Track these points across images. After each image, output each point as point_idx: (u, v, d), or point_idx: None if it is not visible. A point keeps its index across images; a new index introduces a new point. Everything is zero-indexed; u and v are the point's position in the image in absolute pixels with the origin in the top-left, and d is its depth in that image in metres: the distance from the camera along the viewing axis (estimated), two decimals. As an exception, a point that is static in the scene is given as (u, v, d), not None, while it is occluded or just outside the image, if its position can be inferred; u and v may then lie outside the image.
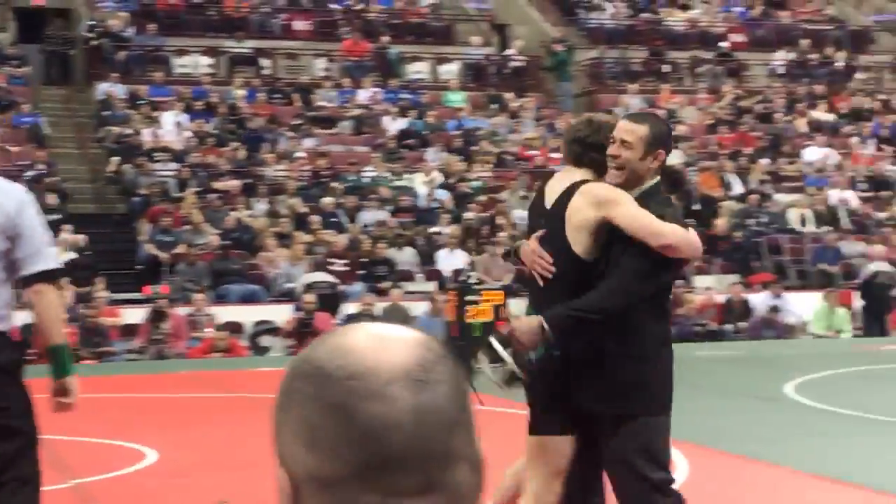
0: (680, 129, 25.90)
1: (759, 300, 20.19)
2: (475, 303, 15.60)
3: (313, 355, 1.22)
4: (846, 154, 26.20)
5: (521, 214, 22.12)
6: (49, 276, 4.66)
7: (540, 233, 4.73)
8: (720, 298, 20.46)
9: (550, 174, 5.10)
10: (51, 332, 4.65)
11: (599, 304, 4.54)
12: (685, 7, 31.32)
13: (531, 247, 4.74)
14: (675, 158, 24.91)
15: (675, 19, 30.82)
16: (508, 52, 28.34)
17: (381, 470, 1.16)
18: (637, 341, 4.67)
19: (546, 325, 4.55)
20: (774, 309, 20.05)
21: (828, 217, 23.26)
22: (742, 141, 25.98)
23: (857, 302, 20.75)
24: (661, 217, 4.57)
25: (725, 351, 17.75)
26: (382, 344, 1.20)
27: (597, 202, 4.60)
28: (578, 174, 4.78)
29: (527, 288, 5.00)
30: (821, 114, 27.67)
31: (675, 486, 4.75)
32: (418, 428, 1.17)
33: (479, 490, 1.22)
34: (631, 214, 4.55)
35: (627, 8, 30.83)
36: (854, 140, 26.86)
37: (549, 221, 4.74)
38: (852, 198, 24.32)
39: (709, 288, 20.83)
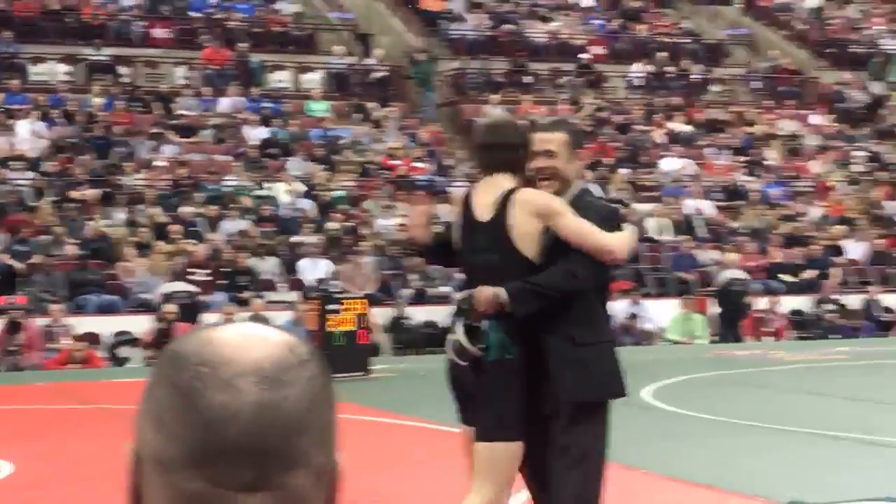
0: (541, 140, 26.22)
1: (619, 308, 20.51)
2: (337, 312, 15.61)
3: (181, 342, 1.24)
4: (702, 164, 26.79)
5: (384, 223, 22.19)
6: None
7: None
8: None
9: (465, 192, 5.11)
10: None
11: (558, 284, 4.69)
12: (546, 19, 31.71)
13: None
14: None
15: (537, 31, 31.18)
16: (371, 61, 28.38)
17: (214, 459, 1.17)
18: (606, 329, 4.99)
19: (504, 294, 4.67)
20: (633, 316, 20.40)
21: (684, 226, 23.75)
22: (602, 151, 26.39)
23: (713, 309, 21.22)
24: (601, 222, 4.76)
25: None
26: (246, 340, 1.22)
27: (537, 213, 4.73)
28: (504, 182, 4.86)
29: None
30: (677, 125, 28.25)
31: None
32: (257, 424, 1.17)
33: (322, 500, 1.22)
34: (573, 227, 4.69)
35: (489, 19, 31.10)
36: (709, 151, 27.47)
37: (488, 233, 4.81)
38: (708, 207, 24.87)
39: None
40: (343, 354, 14.91)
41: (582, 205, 4.80)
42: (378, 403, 12.62)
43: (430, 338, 19.92)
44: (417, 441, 10.55)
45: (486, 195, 4.86)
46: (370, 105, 26.72)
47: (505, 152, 4.88)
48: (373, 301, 17.94)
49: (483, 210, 4.84)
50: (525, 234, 4.74)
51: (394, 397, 13.53)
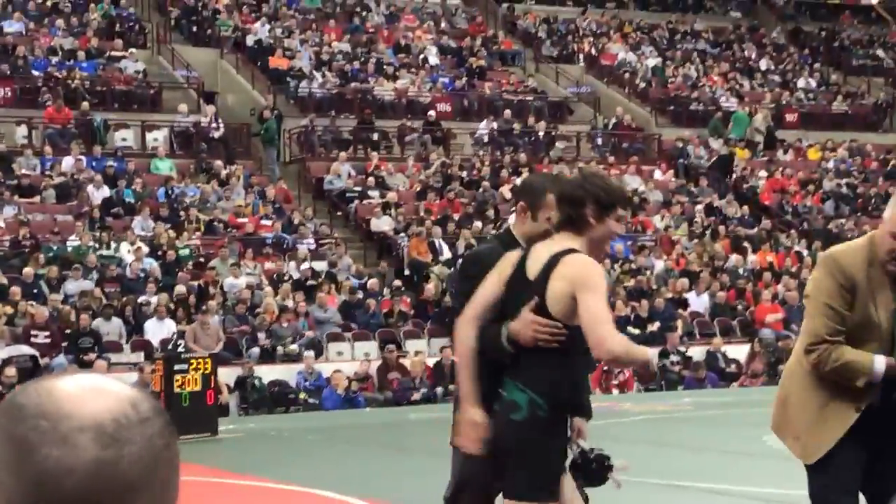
0: (389, 196, 26.29)
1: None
2: (183, 372, 15.34)
3: (21, 392, 1.20)
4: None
5: (231, 283, 21.94)
6: None
7: (532, 303, 4.61)
8: (430, 362, 20.75)
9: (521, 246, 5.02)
10: None
11: None
12: (393, 77, 31.90)
13: (528, 317, 4.60)
14: (385, 225, 25.31)
15: (384, 89, 31.33)
16: (216, 120, 28.15)
17: None
18: None
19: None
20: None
21: (532, 280, 23.93)
22: (450, 207, 26.54)
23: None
24: None
25: (437, 413, 17.95)
26: (89, 393, 1.18)
27: (572, 279, 4.54)
28: (565, 241, 4.68)
29: (497, 359, 4.76)
30: (524, 181, 28.53)
31: None
32: (93, 481, 1.14)
33: None
34: (591, 310, 4.47)
35: (336, 77, 31.15)
36: (556, 206, 27.79)
37: (532, 292, 4.65)
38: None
39: (419, 352, 21.09)
40: (190, 415, 14.65)
41: None
42: (225, 464, 12.41)
43: (279, 397, 19.72)
44: (263, 502, 10.38)
45: (542, 253, 4.71)
46: (216, 163, 26.48)
47: (569, 207, 4.71)
48: (220, 361, 17.69)
49: (534, 268, 4.70)
50: (556, 295, 4.58)
51: (241, 458, 13.32)
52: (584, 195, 4.66)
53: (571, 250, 4.62)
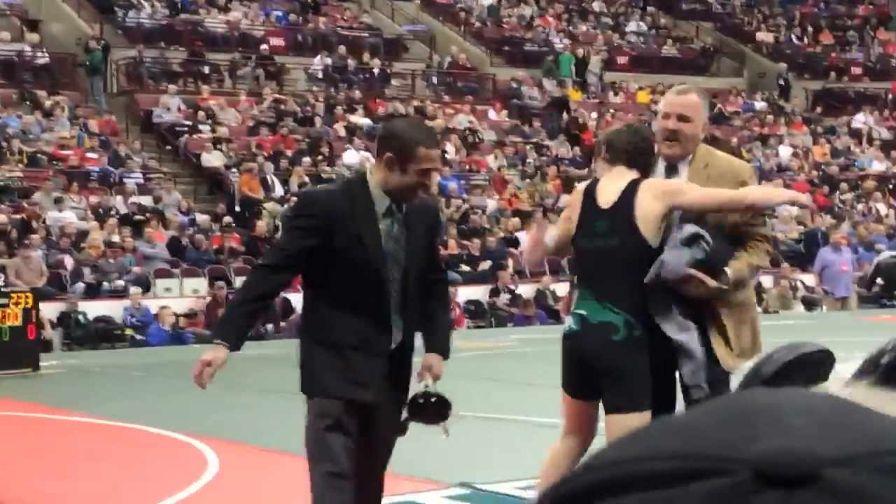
0: (220, 132, 25.88)
1: (299, 300, 20.40)
2: (4, 306, 14.92)
3: None
4: (382, 157, 27.00)
5: (55, 216, 21.36)
6: None
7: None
8: (261, 299, 20.53)
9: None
10: None
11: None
12: (224, 9, 31.31)
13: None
14: (215, 160, 24.90)
15: (215, 21, 30.75)
16: (41, 49, 27.27)
17: None
18: None
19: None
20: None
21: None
22: (283, 143, 26.25)
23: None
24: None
25: (267, 350, 17.82)
26: None
27: (663, 192, 5.01)
28: (628, 174, 5.10)
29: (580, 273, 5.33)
30: (358, 118, 28.41)
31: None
32: None
33: None
34: (701, 194, 4.99)
35: (166, 7, 30.45)
36: (389, 144, 27.72)
37: (610, 218, 5.05)
38: (388, 199, 25.08)
39: (249, 288, 20.82)
40: (10, 350, 14.27)
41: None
42: (46, 400, 12.12)
43: (104, 333, 19.34)
44: (82, 438, 10.16)
45: (610, 185, 5.09)
46: (40, 93, 25.67)
47: (642, 155, 5.13)
48: (42, 296, 17.24)
49: (607, 198, 5.07)
50: (648, 216, 4.97)
51: (63, 393, 13.01)
52: (651, 147, 5.18)
53: (641, 178, 5.09)
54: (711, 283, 4.98)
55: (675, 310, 4.98)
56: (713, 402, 0.61)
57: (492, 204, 25.79)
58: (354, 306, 4.72)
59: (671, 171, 5.23)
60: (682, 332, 4.98)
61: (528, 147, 29.09)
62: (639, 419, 4.97)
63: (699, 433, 0.58)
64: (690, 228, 4.98)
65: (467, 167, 27.67)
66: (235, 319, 5.01)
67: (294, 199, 23.43)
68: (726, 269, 5.04)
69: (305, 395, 4.90)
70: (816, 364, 3.83)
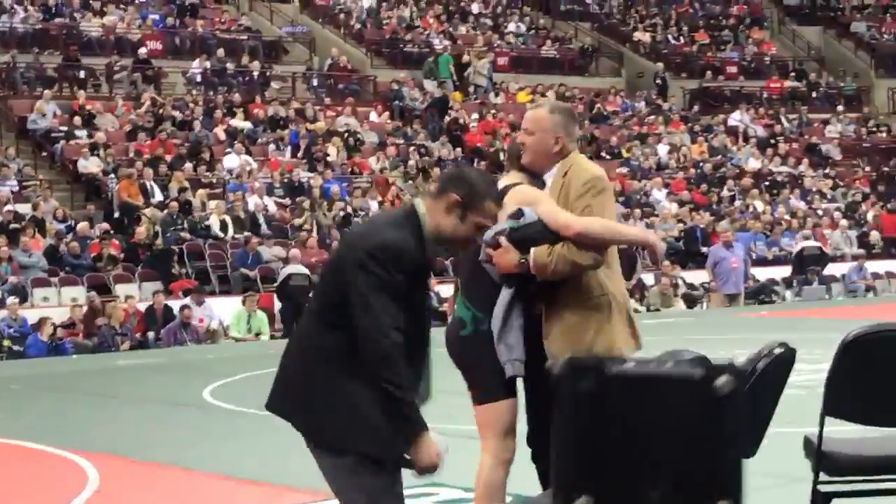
0: (97, 137, 25.45)
1: (188, 307, 20.16)
2: None
3: None
4: (263, 161, 26.82)
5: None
6: None
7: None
8: (142, 306, 20.26)
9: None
10: None
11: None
12: (100, 13, 30.80)
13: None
14: (93, 166, 24.45)
15: (90, 25, 30.23)
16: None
17: None
18: None
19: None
20: (196, 315, 20.10)
21: (247, 222, 23.68)
22: (162, 148, 25.89)
23: (276, 305, 21.27)
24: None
25: (148, 359, 17.57)
26: None
27: (515, 202, 5.13)
28: (514, 178, 5.35)
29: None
30: (238, 121, 28.15)
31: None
32: None
33: None
34: (545, 211, 5.11)
35: (39, 12, 29.87)
36: (271, 147, 27.55)
37: None
38: (270, 203, 24.92)
39: (130, 296, 20.55)
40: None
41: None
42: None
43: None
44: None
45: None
46: None
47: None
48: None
49: None
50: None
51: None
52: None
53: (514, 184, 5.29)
54: (513, 254, 5.05)
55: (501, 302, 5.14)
56: None
57: (374, 206, 25.71)
58: (410, 358, 4.16)
59: (536, 178, 5.37)
60: (500, 322, 5.12)
61: (410, 148, 29.07)
62: (493, 410, 5.18)
63: None
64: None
65: (349, 169, 27.57)
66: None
67: (172, 203, 23.12)
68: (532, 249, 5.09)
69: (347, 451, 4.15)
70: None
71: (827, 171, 33.42)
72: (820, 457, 5.12)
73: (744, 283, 22.83)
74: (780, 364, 4.62)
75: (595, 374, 3.91)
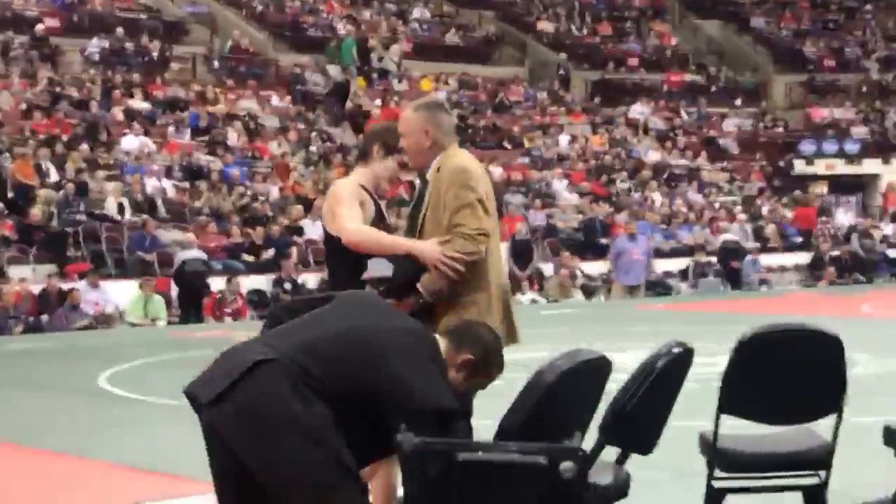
0: (-8, 115, 24.98)
1: (76, 289, 19.87)
2: None
3: None
4: (162, 143, 26.50)
5: None
6: None
7: None
8: (36, 289, 19.93)
9: None
10: None
11: None
12: (-4, -12, 30.22)
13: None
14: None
15: (-13, 0, 29.66)
16: None
17: None
18: None
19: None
20: (90, 298, 19.83)
21: (145, 205, 23.38)
22: (58, 127, 25.47)
23: (174, 289, 21.05)
24: None
25: (41, 343, 17.30)
26: None
27: (327, 205, 5.55)
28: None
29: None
30: (137, 102, 27.78)
31: None
32: None
33: None
34: (336, 214, 5.41)
35: (-68, -15, 29.23)
36: (170, 129, 27.23)
37: None
38: (168, 186, 24.64)
39: (24, 279, 20.20)
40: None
41: None
42: None
43: None
44: None
45: None
46: None
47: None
48: None
49: None
50: (326, 216, 5.53)
51: None
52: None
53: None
54: (410, 302, 5.08)
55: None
56: None
57: (275, 191, 25.56)
58: None
59: (422, 178, 5.44)
60: None
61: (312, 134, 28.93)
62: None
63: None
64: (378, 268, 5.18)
65: (249, 154, 27.35)
66: None
67: (68, 184, 22.76)
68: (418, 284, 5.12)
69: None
70: (595, 370, 3.85)
71: (724, 164, 33.90)
72: (715, 453, 5.20)
73: (645, 276, 23.09)
74: (677, 364, 4.68)
75: (443, 460, 3.88)
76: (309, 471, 3.83)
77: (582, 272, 24.54)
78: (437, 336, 4.31)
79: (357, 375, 3.96)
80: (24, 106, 26.16)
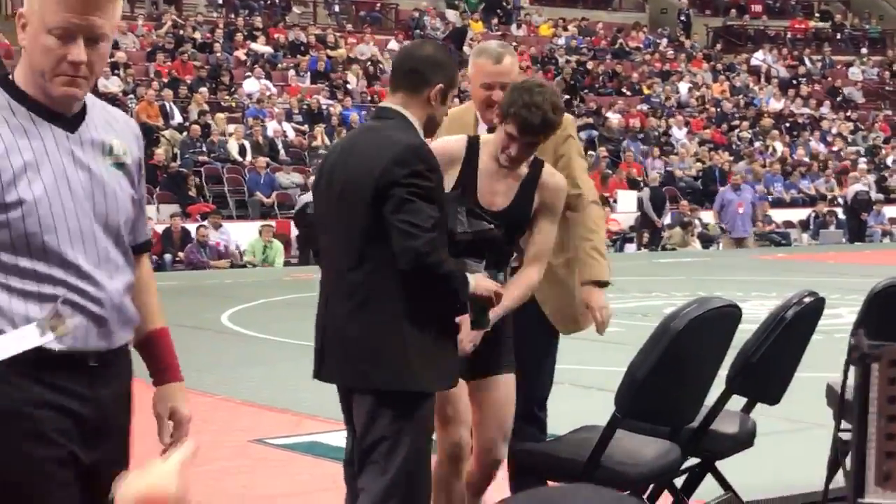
0: (118, 57, 25.36)
1: (204, 227, 20.20)
2: None
3: None
4: (283, 86, 26.74)
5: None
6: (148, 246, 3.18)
7: None
8: (159, 228, 20.29)
9: None
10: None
11: None
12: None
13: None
14: (113, 86, 24.38)
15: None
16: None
17: None
18: None
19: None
20: (212, 238, 20.16)
21: (266, 148, 23.66)
22: (182, 70, 25.83)
23: (293, 231, 21.30)
24: None
25: (165, 281, 17.61)
26: None
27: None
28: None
29: None
30: (259, 45, 28.04)
31: None
32: None
33: None
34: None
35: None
36: (291, 73, 27.45)
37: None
38: (289, 129, 24.88)
39: (149, 218, 20.55)
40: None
41: None
42: None
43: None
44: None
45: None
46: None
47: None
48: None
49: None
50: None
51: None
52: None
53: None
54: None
55: None
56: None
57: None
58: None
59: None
60: None
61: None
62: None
63: None
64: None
65: (368, 98, 27.48)
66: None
67: (192, 126, 23.10)
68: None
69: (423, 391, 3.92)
70: (724, 318, 3.82)
71: (848, 113, 33.24)
72: (843, 405, 5.15)
73: (751, 227, 22.83)
74: (808, 313, 4.64)
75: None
76: None
77: (700, 221, 24.30)
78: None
79: None
80: (148, 48, 26.56)
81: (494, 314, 4.11)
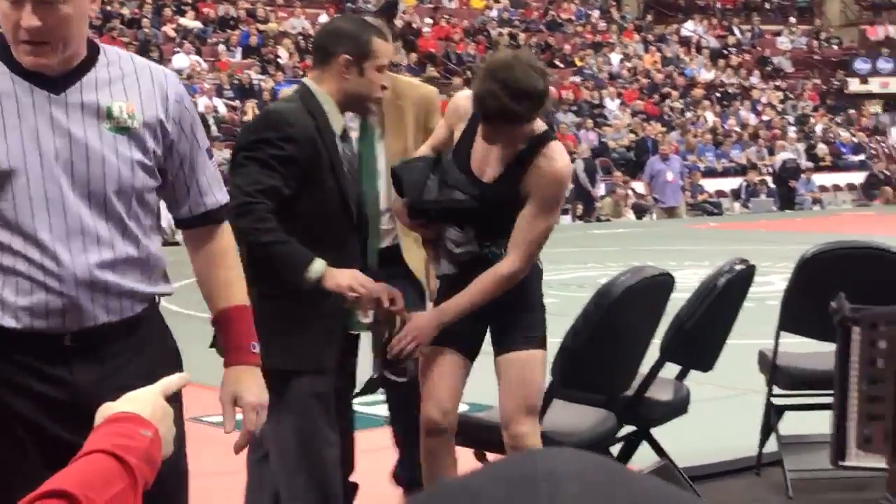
0: (45, 33, 25.06)
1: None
2: None
3: None
4: (213, 61, 26.53)
5: None
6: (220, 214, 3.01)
7: None
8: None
9: None
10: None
11: None
12: None
13: None
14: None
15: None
16: None
17: None
18: None
19: None
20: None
21: (196, 124, 23.45)
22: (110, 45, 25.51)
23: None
24: None
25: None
26: None
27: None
28: None
29: None
30: (188, 20, 27.78)
31: None
32: None
33: None
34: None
35: None
36: (221, 48, 27.24)
37: None
38: (220, 105, 24.71)
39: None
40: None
41: None
42: None
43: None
44: None
45: None
46: None
47: None
48: None
49: None
50: None
51: None
52: None
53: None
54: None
55: None
56: (500, 468, 0.70)
57: (326, 110, 25.56)
58: (340, 245, 3.93)
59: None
60: None
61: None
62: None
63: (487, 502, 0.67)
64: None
65: (301, 72, 27.31)
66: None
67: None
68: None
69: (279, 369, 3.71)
70: (658, 286, 3.87)
71: (777, 83, 33.55)
72: (775, 371, 5.22)
73: (682, 196, 23.06)
74: (739, 281, 4.69)
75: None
76: None
77: (633, 192, 24.46)
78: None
79: None
80: (76, 24, 26.21)
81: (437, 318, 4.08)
